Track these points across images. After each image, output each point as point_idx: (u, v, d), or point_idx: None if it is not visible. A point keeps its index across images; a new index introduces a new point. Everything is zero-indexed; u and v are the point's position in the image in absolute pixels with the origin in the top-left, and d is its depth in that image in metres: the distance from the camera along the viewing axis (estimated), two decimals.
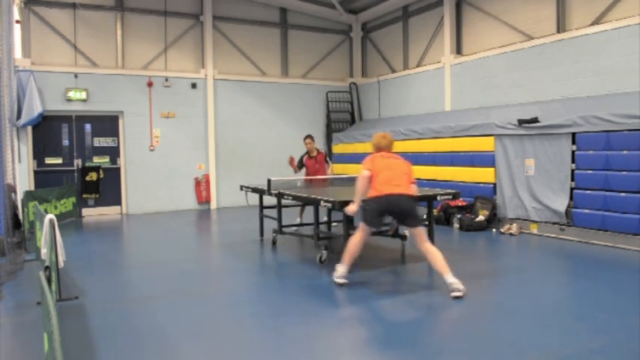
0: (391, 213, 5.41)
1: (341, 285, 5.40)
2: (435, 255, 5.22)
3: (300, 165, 9.29)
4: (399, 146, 11.69)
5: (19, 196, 8.69)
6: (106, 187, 11.99)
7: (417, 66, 12.86)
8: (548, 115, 8.53)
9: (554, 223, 8.17)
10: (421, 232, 5.35)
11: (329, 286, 5.67)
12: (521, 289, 5.19)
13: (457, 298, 4.90)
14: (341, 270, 5.50)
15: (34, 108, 10.80)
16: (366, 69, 14.95)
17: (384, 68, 14.14)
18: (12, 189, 7.79)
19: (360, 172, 5.44)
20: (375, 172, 5.42)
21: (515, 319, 4.36)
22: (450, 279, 5.04)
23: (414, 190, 5.53)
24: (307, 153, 9.36)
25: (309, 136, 9.41)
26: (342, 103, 14.80)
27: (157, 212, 12.34)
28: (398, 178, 5.40)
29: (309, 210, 7.40)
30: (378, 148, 5.72)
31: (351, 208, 5.45)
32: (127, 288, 5.76)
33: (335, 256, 6.87)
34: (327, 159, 9.47)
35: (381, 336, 4.09)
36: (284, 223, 7.61)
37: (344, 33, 14.97)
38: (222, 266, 7.00)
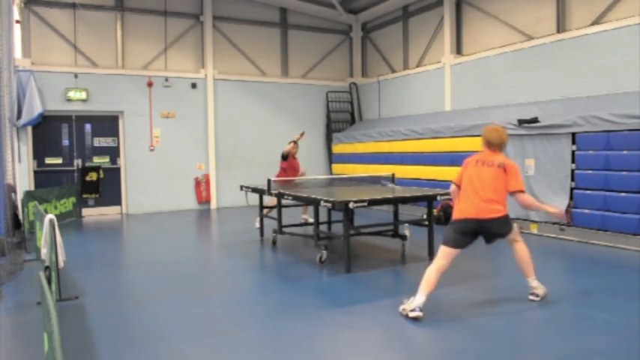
0: (476, 235, 4.81)
1: (416, 319, 4.38)
2: (522, 253, 4.94)
3: (285, 157, 9.49)
4: (399, 146, 11.72)
5: (19, 196, 8.69)
6: (106, 187, 11.99)
7: (417, 66, 12.86)
8: (548, 115, 8.53)
9: (554, 223, 8.17)
10: (514, 233, 4.95)
11: (329, 286, 5.68)
12: (521, 290, 5.18)
13: (533, 301, 4.81)
14: (419, 300, 4.47)
15: (34, 108, 10.81)
16: (366, 69, 14.95)
17: (384, 68, 14.14)
18: (12, 189, 7.79)
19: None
20: (462, 184, 4.85)
21: (515, 319, 4.36)
22: (531, 282, 4.90)
23: (502, 209, 4.73)
24: (292, 154, 9.63)
25: (294, 141, 9.69)
26: (342, 103, 14.80)
27: (157, 212, 12.34)
28: (483, 196, 4.66)
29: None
30: (486, 144, 4.94)
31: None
32: (127, 288, 5.76)
33: (335, 257, 6.87)
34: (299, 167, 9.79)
35: (381, 336, 4.09)
36: (284, 223, 7.61)
37: (344, 33, 14.97)
38: (222, 266, 7.00)
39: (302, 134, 9.88)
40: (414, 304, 4.45)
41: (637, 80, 7.93)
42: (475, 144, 9.67)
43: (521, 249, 4.95)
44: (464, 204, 4.76)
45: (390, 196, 6.85)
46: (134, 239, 9.39)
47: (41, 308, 3.42)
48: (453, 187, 5.00)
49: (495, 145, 4.86)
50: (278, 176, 9.32)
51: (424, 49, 12.69)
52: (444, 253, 4.71)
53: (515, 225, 4.95)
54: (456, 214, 4.78)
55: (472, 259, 7.01)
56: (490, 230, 4.75)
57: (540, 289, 4.85)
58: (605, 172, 7.43)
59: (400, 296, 5.17)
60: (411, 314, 4.41)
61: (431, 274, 4.58)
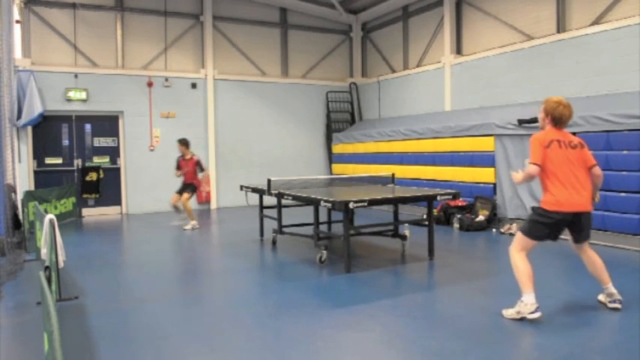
0: (567, 227, 4.46)
1: (537, 319, 4.22)
2: (595, 261, 4.55)
3: (177, 166, 10.11)
4: (399, 146, 11.72)
5: (19, 196, 8.69)
6: (106, 187, 11.99)
7: (417, 66, 12.86)
8: None
9: None
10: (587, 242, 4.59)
11: (329, 286, 5.68)
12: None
13: (616, 309, 4.47)
14: (529, 299, 4.25)
15: (34, 108, 10.81)
16: (366, 69, 14.95)
17: (384, 68, 14.14)
18: (12, 189, 7.80)
19: (528, 164, 4.35)
20: (547, 167, 4.27)
21: (514, 319, 4.35)
22: (611, 289, 4.53)
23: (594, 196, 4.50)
24: (182, 155, 10.07)
25: (179, 141, 10.16)
26: (342, 103, 14.80)
27: (157, 212, 12.33)
28: (581, 183, 4.28)
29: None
30: (555, 120, 4.36)
31: (517, 177, 4.51)
32: (127, 288, 5.75)
33: (335, 257, 6.88)
34: (199, 166, 9.99)
35: (381, 336, 4.09)
36: (284, 223, 7.61)
37: (344, 33, 14.97)
38: (222, 266, 7.00)
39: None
40: (530, 305, 4.20)
41: (637, 80, 7.93)
42: (475, 144, 9.70)
43: (594, 255, 4.59)
44: (562, 194, 4.22)
45: (390, 196, 6.85)
46: (134, 239, 9.38)
47: (41, 308, 3.42)
48: (535, 169, 4.30)
49: (566, 122, 4.35)
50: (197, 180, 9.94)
51: (424, 49, 12.69)
52: (529, 245, 4.38)
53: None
54: (553, 206, 4.25)
55: (471, 260, 7.01)
56: (583, 225, 4.37)
57: (618, 295, 4.52)
58: (605, 172, 7.40)
59: (401, 296, 5.19)
60: (533, 316, 4.19)
61: (527, 268, 4.29)
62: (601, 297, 4.67)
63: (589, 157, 4.42)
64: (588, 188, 4.35)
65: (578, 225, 4.40)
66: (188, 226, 9.79)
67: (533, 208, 4.52)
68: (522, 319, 4.24)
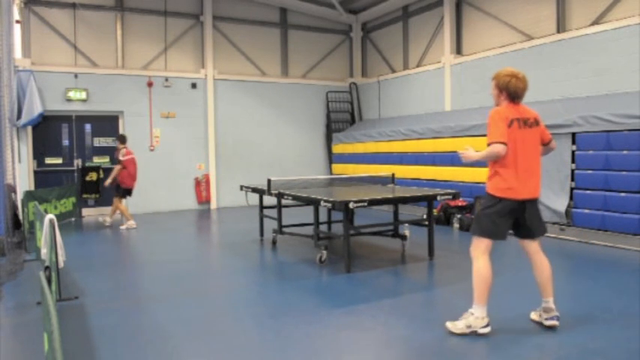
0: (516, 218, 3.96)
1: (486, 334, 3.91)
2: (544, 269, 4.05)
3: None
4: (399, 146, 11.72)
5: (19, 196, 8.69)
6: (106, 187, 11.96)
7: (417, 66, 12.86)
8: (548, 115, 8.51)
9: (554, 223, 8.17)
10: (539, 241, 4.11)
11: (329, 286, 5.68)
12: (521, 289, 5.18)
13: (553, 327, 4.01)
14: (479, 313, 3.91)
15: (34, 108, 10.81)
16: (366, 69, 14.95)
17: (384, 68, 14.14)
18: (12, 189, 7.80)
19: (491, 145, 3.81)
20: (509, 148, 3.76)
21: (514, 319, 4.35)
22: (550, 304, 4.03)
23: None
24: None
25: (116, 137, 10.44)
26: (342, 103, 14.80)
27: (157, 212, 12.33)
28: (533, 168, 3.86)
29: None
30: (511, 95, 3.96)
31: (470, 156, 4.05)
32: (127, 288, 5.76)
33: (335, 257, 6.87)
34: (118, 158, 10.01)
35: (381, 336, 4.09)
36: (284, 223, 7.61)
37: (344, 33, 14.97)
38: (222, 266, 7.00)
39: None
40: (482, 319, 3.89)
41: (637, 80, 7.93)
42: (475, 144, 9.66)
43: (545, 261, 4.08)
44: (514, 180, 3.79)
45: (390, 196, 6.85)
46: (134, 239, 9.38)
47: (41, 308, 3.42)
48: (501, 147, 3.76)
49: (522, 96, 3.94)
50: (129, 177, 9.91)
51: (424, 49, 12.69)
52: (488, 247, 3.97)
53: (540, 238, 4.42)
54: (504, 192, 3.80)
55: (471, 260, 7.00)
56: (529, 215, 3.89)
57: (557, 312, 4.04)
58: (605, 172, 7.43)
59: (401, 296, 5.19)
60: (484, 330, 3.90)
61: (488, 276, 3.93)
62: (534, 315, 4.22)
63: (545, 134, 4.11)
64: (539, 173, 3.96)
65: (524, 214, 3.92)
66: (123, 225, 9.96)
67: (477, 199, 4.13)
68: (473, 334, 3.92)
